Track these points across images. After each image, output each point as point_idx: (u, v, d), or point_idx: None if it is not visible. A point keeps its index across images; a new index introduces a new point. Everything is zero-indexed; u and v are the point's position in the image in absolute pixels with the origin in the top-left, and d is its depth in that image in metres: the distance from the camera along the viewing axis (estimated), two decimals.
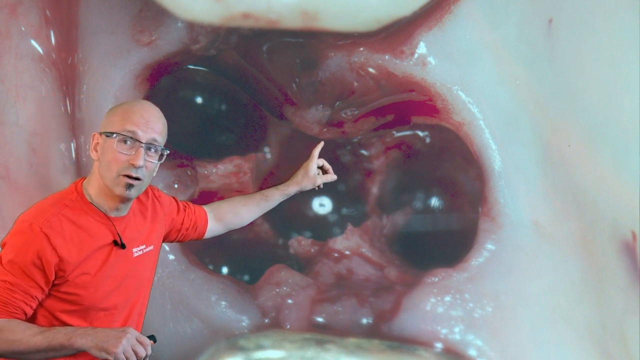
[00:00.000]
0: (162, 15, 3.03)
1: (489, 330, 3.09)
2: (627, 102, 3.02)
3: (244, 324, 3.21)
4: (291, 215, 3.54)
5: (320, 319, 3.20)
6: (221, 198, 3.41)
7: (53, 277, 2.21)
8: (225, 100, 3.55)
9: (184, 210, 2.67)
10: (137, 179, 2.27)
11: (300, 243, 3.50)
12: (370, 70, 3.11)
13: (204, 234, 2.74)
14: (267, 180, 3.52)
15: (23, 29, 3.02)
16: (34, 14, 3.02)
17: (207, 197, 3.38)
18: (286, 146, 3.57)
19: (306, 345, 3.12)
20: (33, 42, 3.03)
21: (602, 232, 3.06)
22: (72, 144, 3.12)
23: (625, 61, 3.01)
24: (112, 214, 2.34)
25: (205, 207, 2.75)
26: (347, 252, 3.42)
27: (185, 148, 3.41)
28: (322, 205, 3.56)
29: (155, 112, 2.36)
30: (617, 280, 3.07)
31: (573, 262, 3.08)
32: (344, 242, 3.43)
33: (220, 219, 2.76)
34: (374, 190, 3.54)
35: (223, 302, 3.20)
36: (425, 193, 3.49)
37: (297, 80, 3.24)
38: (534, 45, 3.04)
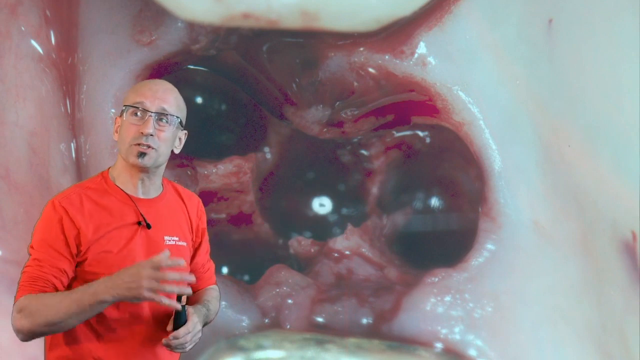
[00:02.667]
0: (162, 15, 3.03)
1: (489, 330, 3.09)
2: (627, 102, 3.03)
3: (244, 324, 3.21)
4: (291, 215, 3.54)
5: (320, 319, 3.20)
6: (221, 198, 3.41)
7: (75, 250, 2.21)
8: (225, 100, 3.55)
9: (205, 252, 2.51)
10: (149, 147, 2.26)
11: (300, 243, 3.50)
12: (370, 70, 3.11)
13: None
14: (267, 180, 3.52)
15: (23, 29, 3.02)
16: (34, 14, 3.02)
17: (207, 197, 3.38)
18: (286, 146, 3.56)
19: (306, 345, 3.12)
20: (33, 42, 3.03)
21: (602, 232, 3.06)
22: (72, 144, 3.12)
23: (625, 61, 3.01)
24: (139, 195, 2.32)
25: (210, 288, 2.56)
26: (347, 252, 3.42)
27: (185, 148, 3.40)
28: (322, 205, 3.56)
29: (166, 85, 2.36)
30: (617, 280, 3.07)
31: (573, 262, 3.08)
32: (344, 242, 3.43)
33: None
34: (374, 190, 3.54)
35: (223, 302, 3.19)
36: (425, 193, 3.49)
37: (297, 80, 3.24)
38: (534, 45, 3.04)
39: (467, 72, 3.06)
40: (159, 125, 2.28)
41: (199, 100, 3.54)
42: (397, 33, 3.04)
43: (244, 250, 3.54)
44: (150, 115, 2.27)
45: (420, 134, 3.44)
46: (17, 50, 3.01)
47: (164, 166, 2.38)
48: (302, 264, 3.48)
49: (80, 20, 3.09)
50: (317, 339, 3.14)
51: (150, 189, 2.33)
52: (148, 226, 2.27)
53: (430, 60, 3.06)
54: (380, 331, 3.15)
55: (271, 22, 2.95)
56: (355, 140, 3.46)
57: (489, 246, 3.11)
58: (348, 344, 3.13)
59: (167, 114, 2.29)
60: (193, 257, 2.46)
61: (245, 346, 3.14)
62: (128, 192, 2.30)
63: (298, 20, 2.94)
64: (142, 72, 3.11)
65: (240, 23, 2.96)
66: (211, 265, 2.55)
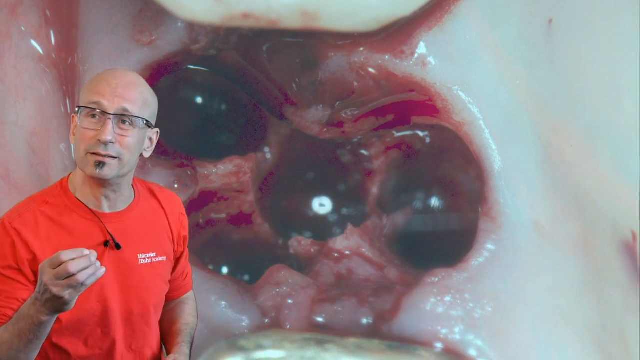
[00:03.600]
0: (162, 15, 3.03)
1: (489, 330, 3.09)
2: (627, 102, 3.02)
3: (244, 324, 3.21)
4: (291, 215, 3.54)
5: (320, 319, 3.20)
6: (221, 198, 3.41)
7: (33, 277, 1.90)
8: (225, 100, 3.54)
9: (185, 259, 2.22)
10: (109, 156, 1.91)
11: (300, 243, 3.49)
12: (370, 70, 3.11)
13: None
14: (267, 180, 3.52)
15: (23, 29, 3.02)
16: (34, 14, 3.02)
17: (207, 197, 3.38)
18: (286, 146, 3.56)
19: (306, 345, 3.12)
20: (33, 42, 3.03)
21: (602, 232, 3.06)
22: (72, 144, 3.12)
23: (625, 61, 3.01)
24: (104, 209, 1.98)
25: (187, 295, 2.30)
26: (347, 252, 3.42)
27: (185, 148, 3.40)
28: (322, 205, 3.56)
29: (128, 77, 1.99)
30: (617, 280, 3.07)
31: (573, 262, 3.08)
32: (344, 242, 3.43)
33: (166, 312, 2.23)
34: (374, 190, 3.54)
35: (223, 302, 3.20)
36: (425, 193, 3.48)
37: (297, 80, 3.23)
38: (534, 45, 3.04)
39: (467, 72, 3.06)
40: (121, 129, 1.92)
41: (199, 100, 3.54)
42: (397, 33, 3.04)
43: (244, 250, 3.53)
44: (109, 118, 1.91)
45: (420, 134, 3.44)
46: (17, 50, 3.01)
47: (132, 173, 2.01)
48: (302, 264, 3.48)
49: (80, 20, 3.09)
50: (317, 339, 3.14)
51: (117, 201, 1.99)
52: (117, 246, 1.96)
53: (430, 60, 3.06)
54: (380, 331, 3.15)
55: (271, 22, 2.95)
56: (355, 140, 3.46)
57: (489, 246, 3.11)
58: (348, 344, 3.13)
59: (129, 115, 1.93)
60: (174, 268, 2.16)
61: (245, 346, 3.14)
62: (91, 206, 1.97)
63: (298, 20, 2.94)
64: (142, 72, 3.11)
65: (240, 23, 2.96)
66: (189, 270, 2.26)
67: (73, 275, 1.70)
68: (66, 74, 3.10)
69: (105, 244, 1.95)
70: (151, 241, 2.05)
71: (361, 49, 3.08)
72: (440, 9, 3.02)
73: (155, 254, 2.05)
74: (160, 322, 2.16)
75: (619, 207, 3.04)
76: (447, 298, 3.11)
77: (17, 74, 3.01)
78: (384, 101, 3.24)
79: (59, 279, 1.71)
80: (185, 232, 2.17)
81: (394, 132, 3.46)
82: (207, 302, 3.18)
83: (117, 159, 1.93)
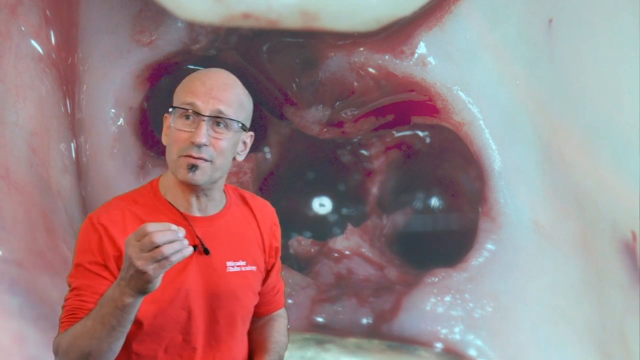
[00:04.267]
0: (162, 15, 3.03)
1: (489, 330, 3.09)
2: (627, 102, 3.02)
3: None
4: (291, 215, 3.53)
5: (320, 319, 3.20)
6: None
7: (118, 273, 1.77)
8: None
9: (277, 273, 2.08)
10: (202, 159, 1.83)
11: (300, 243, 3.49)
12: (370, 70, 3.11)
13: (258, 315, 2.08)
14: (267, 180, 3.52)
15: (23, 29, 3.02)
16: (34, 14, 3.02)
17: None
18: (286, 146, 3.56)
19: (306, 345, 3.11)
20: (33, 42, 3.03)
21: (602, 232, 3.06)
22: (72, 144, 3.12)
23: (625, 61, 3.01)
24: (194, 213, 1.90)
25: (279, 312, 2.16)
26: (347, 252, 3.42)
27: None
28: (322, 205, 3.56)
29: (223, 78, 1.94)
30: (617, 280, 3.07)
31: (573, 262, 3.08)
32: (344, 242, 3.43)
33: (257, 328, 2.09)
34: (374, 190, 3.54)
35: None
36: (425, 193, 3.48)
37: (297, 80, 3.23)
38: (534, 45, 3.04)
39: (467, 72, 3.06)
40: (215, 131, 1.85)
41: None
42: (397, 33, 3.04)
43: None
44: (203, 120, 1.83)
45: (420, 134, 3.44)
46: (17, 50, 3.01)
47: (224, 178, 1.93)
48: (302, 264, 3.48)
49: (80, 20, 3.09)
50: (317, 339, 3.14)
51: (208, 205, 1.91)
52: (206, 251, 1.86)
53: (430, 60, 3.06)
54: (380, 331, 3.15)
55: (271, 22, 2.95)
56: (355, 140, 3.46)
57: (489, 246, 3.11)
58: (348, 344, 3.13)
59: (224, 118, 1.86)
60: (264, 281, 2.03)
61: None
62: (181, 209, 1.88)
63: (298, 20, 2.94)
64: (142, 72, 3.11)
65: (240, 23, 2.96)
66: (281, 285, 2.14)
67: (158, 247, 1.60)
68: (66, 74, 3.10)
69: (195, 247, 1.83)
70: (241, 249, 1.94)
71: (361, 49, 3.08)
72: (440, 9, 3.02)
73: (245, 262, 1.94)
74: (249, 339, 2.05)
75: (619, 207, 3.04)
76: (447, 298, 3.11)
77: (17, 74, 3.01)
78: (384, 101, 3.24)
79: (144, 251, 1.61)
80: (277, 243, 2.06)
81: (394, 132, 3.46)
82: None
83: (210, 163, 1.85)
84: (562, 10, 3.01)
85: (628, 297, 3.05)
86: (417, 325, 3.10)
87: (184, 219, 1.87)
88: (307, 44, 3.12)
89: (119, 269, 1.77)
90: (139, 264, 1.62)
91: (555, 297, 3.09)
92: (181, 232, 1.63)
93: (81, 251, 1.85)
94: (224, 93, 1.89)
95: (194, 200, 1.89)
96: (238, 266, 1.92)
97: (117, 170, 3.11)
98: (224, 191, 1.97)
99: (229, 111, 1.87)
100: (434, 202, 3.48)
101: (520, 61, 3.05)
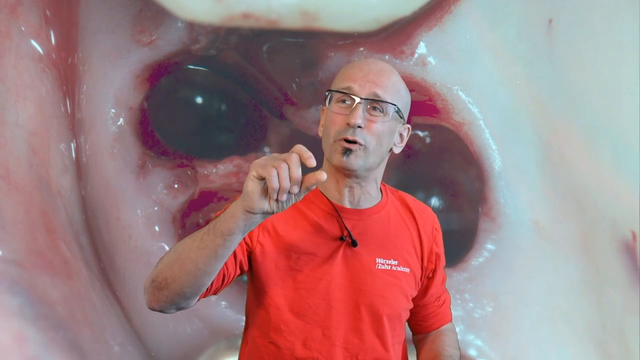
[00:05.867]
0: (162, 15, 3.03)
1: (489, 330, 3.09)
2: (627, 102, 3.03)
3: (243, 324, 3.21)
4: None
5: None
6: (221, 198, 3.41)
7: (251, 242, 1.72)
8: (225, 100, 3.54)
9: (441, 283, 2.00)
10: (356, 142, 1.79)
11: None
12: None
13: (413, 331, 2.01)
14: None
15: (23, 29, 3.02)
16: (34, 14, 3.02)
17: (207, 197, 3.38)
18: (286, 146, 3.56)
19: None
20: (33, 42, 3.03)
21: (602, 232, 3.06)
22: (72, 144, 3.12)
23: (625, 61, 3.01)
24: (345, 204, 1.85)
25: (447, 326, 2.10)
26: None
27: (185, 148, 3.40)
28: None
29: (381, 65, 1.91)
30: (617, 280, 3.07)
31: (573, 262, 3.08)
32: None
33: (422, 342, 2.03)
34: None
35: (223, 302, 3.19)
36: (425, 193, 3.49)
37: (297, 80, 3.24)
38: (534, 45, 3.04)
39: (467, 72, 3.07)
40: (371, 114, 1.82)
41: (199, 100, 3.54)
42: (397, 33, 3.04)
43: None
44: (359, 102, 1.81)
45: (420, 134, 3.44)
46: (17, 50, 3.01)
47: (380, 170, 1.89)
48: None
49: (80, 20, 3.09)
50: None
51: (361, 198, 1.87)
52: (354, 243, 1.80)
53: (430, 60, 3.06)
54: None
55: (271, 22, 2.95)
56: None
57: (489, 246, 3.11)
58: None
59: (380, 101, 1.83)
60: (425, 290, 1.97)
61: None
62: (333, 200, 1.85)
63: (298, 20, 2.94)
64: (142, 72, 3.11)
65: (240, 23, 2.96)
66: (447, 297, 2.06)
67: (275, 165, 1.51)
68: (66, 74, 3.10)
69: (342, 238, 1.80)
70: (394, 248, 1.87)
71: (361, 49, 3.08)
72: (440, 9, 3.02)
73: (397, 262, 1.87)
74: (419, 354, 1.98)
75: (619, 207, 3.04)
76: None
77: (17, 74, 3.01)
78: None
79: (260, 162, 1.54)
80: (439, 249, 1.99)
81: None
82: (207, 302, 3.18)
83: (364, 147, 1.80)
84: (562, 10, 3.01)
85: (628, 297, 3.06)
86: None
87: (334, 210, 1.82)
88: (307, 44, 3.12)
89: (257, 239, 1.75)
90: (251, 174, 1.53)
91: (555, 297, 3.09)
92: (322, 176, 1.59)
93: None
94: (380, 78, 1.86)
95: (346, 191, 1.85)
96: (389, 264, 1.85)
97: (117, 170, 3.11)
98: (381, 189, 1.92)
99: (385, 95, 1.84)
100: (434, 202, 3.48)
101: (520, 61, 3.05)
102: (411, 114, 3.33)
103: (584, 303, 3.08)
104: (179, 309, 1.67)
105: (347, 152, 1.79)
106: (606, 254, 3.06)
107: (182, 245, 1.63)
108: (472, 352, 3.09)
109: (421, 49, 3.05)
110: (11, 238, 2.89)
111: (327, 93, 1.87)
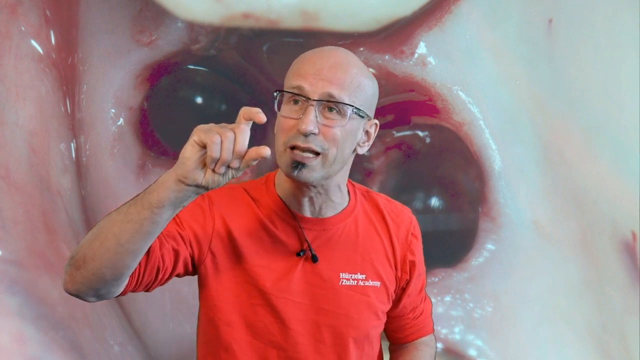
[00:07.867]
0: (162, 15, 3.03)
1: (489, 330, 3.09)
2: (627, 102, 3.02)
3: None
4: None
5: None
6: None
7: (197, 244, 1.55)
8: (225, 100, 3.54)
9: (416, 293, 1.81)
10: (310, 151, 1.57)
11: None
12: (370, 70, 3.11)
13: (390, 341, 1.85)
14: None
15: (23, 29, 3.02)
16: (34, 14, 3.02)
17: None
18: None
19: None
20: (33, 42, 3.03)
21: (602, 232, 3.06)
22: (72, 144, 3.12)
23: (625, 61, 3.01)
24: (305, 213, 1.65)
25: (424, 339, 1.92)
26: None
27: None
28: None
29: (336, 57, 1.67)
30: (617, 280, 3.06)
31: (573, 262, 3.08)
32: None
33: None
34: (374, 190, 3.54)
35: None
36: (425, 193, 3.48)
37: None
38: (534, 45, 3.04)
39: (467, 72, 3.06)
40: (326, 118, 1.58)
41: (199, 100, 3.54)
42: (397, 33, 3.04)
43: None
44: (312, 105, 1.58)
45: (420, 134, 3.44)
46: (17, 50, 3.01)
47: (343, 174, 1.65)
48: None
49: (80, 21, 3.08)
50: None
51: (323, 206, 1.65)
52: (314, 258, 1.60)
53: (430, 60, 3.06)
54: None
55: (271, 22, 2.95)
56: None
57: (489, 246, 3.11)
58: None
59: (335, 102, 1.57)
60: (398, 301, 1.78)
61: None
62: (293, 208, 1.65)
63: (298, 20, 2.94)
64: (142, 72, 3.11)
65: (240, 23, 2.96)
66: (426, 306, 1.90)
67: (221, 133, 1.36)
68: (66, 74, 3.10)
69: (300, 253, 1.60)
70: (361, 260, 1.67)
71: (361, 49, 3.08)
72: (440, 9, 3.02)
73: (364, 276, 1.66)
74: None
75: (619, 207, 3.04)
76: (447, 298, 3.11)
77: (17, 74, 3.01)
78: (384, 101, 3.23)
79: (204, 127, 1.38)
80: (414, 257, 1.80)
81: (394, 132, 3.46)
82: None
83: (321, 156, 1.57)
84: (562, 10, 3.01)
85: (628, 297, 3.05)
86: None
87: (293, 219, 1.62)
88: (307, 44, 3.12)
89: (205, 240, 1.57)
90: (194, 134, 1.37)
91: (555, 297, 3.09)
92: (266, 151, 1.40)
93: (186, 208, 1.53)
94: (336, 73, 1.61)
95: (305, 201, 1.64)
96: (355, 279, 1.65)
97: (117, 170, 3.11)
98: (349, 192, 1.72)
99: (341, 94, 1.59)
100: (434, 202, 3.48)
101: (520, 61, 3.05)
102: (411, 114, 3.34)
103: (584, 303, 3.08)
104: (98, 296, 1.46)
105: (298, 165, 1.57)
106: (606, 254, 3.06)
107: (106, 219, 1.43)
108: (472, 352, 3.09)
109: (421, 49, 3.05)
110: (11, 238, 2.89)
111: (275, 94, 1.65)
